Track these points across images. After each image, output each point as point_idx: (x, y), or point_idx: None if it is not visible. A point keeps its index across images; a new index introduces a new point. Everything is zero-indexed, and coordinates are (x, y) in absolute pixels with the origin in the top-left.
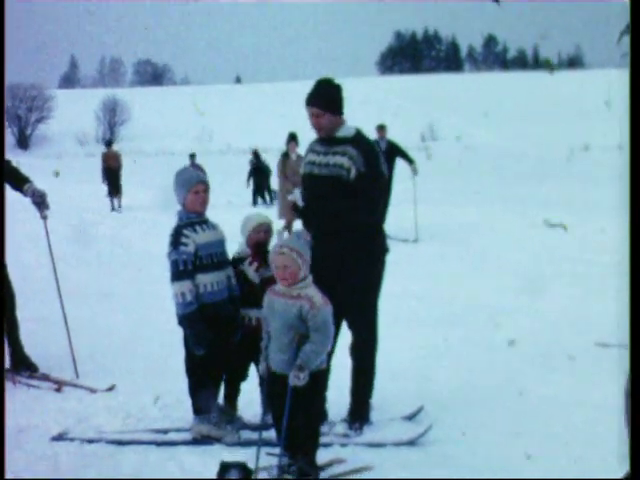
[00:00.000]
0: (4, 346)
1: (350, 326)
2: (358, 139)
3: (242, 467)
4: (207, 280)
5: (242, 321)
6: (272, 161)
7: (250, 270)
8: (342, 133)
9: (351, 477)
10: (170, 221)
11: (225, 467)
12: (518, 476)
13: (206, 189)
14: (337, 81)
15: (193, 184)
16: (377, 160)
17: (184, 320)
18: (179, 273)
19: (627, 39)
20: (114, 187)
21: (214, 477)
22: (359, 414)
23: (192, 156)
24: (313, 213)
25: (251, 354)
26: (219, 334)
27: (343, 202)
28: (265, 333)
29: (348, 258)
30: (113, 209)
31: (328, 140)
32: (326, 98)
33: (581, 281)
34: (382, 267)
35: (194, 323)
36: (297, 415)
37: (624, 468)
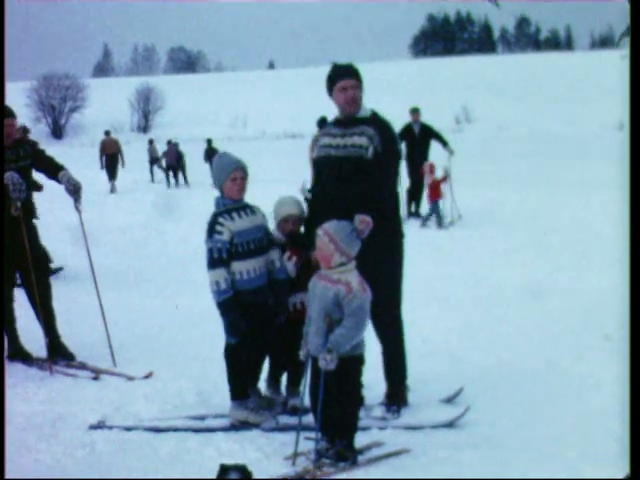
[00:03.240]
0: (4, 343)
1: (372, 311)
2: (375, 119)
3: (242, 469)
4: (243, 267)
5: (286, 306)
6: (306, 146)
7: (289, 264)
8: (360, 114)
9: (389, 460)
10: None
11: (224, 469)
12: (557, 456)
13: (244, 176)
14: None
15: (231, 171)
16: (394, 139)
17: (219, 308)
18: (214, 261)
19: (627, 41)
20: (112, 172)
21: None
22: (396, 397)
23: (209, 141)
24: (326, 200)
25: (295, 338)
26: (256, 321)
27: (357, 184)
28: (307, 318)
29: (367, 242)
30: (111, 191)
31: (345, 122)
32: (358, 73)
33: (618, 262)
34: (400, 251)
35: (228, 311)
36: (334, 399)
37: None
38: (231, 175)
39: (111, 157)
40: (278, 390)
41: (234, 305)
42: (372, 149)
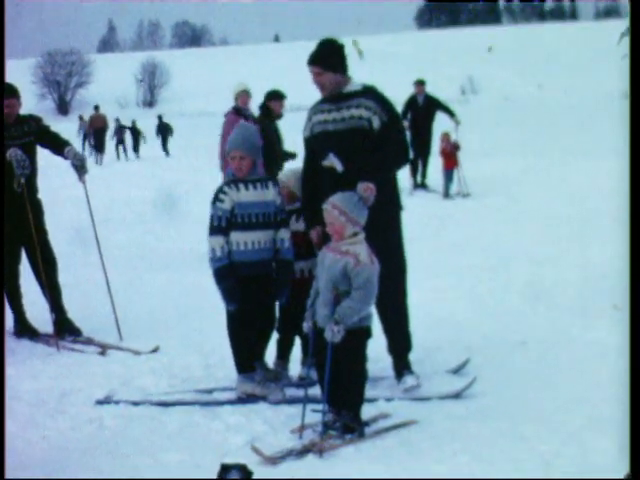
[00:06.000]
0: (4, 342)
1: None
2: (368, 90)
3: (242, 468)
4: (240, 239)
5: (288, 286)
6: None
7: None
8: (350, 88)
9: (396, 431)
10: (211, 182)
11: (225, 468)
12: (565, 426)
13: (243, 156)
14: (340, 40)
15: (229, 150)
16: (393, 105)
17: (213, 275)
18: (213, 228)
19: (627, 40)
20: (100, 145)
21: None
22: (404, 366)
23: (159, 117)
24: (329, 175)
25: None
26: (253, 294)
27: (381, 153)
28: (313, 290)
29: (375, 212)
30: (96, 163)
31: (336, 97)
32: (325, 57)
33: (625, 229)
34: (400, 222)
35: (222, 279)
36: (340, 371)
37: None
38: (230, 154)
39: (98, 131)
40: (285, 364)
41: (228, 274)
42: (378, 120)
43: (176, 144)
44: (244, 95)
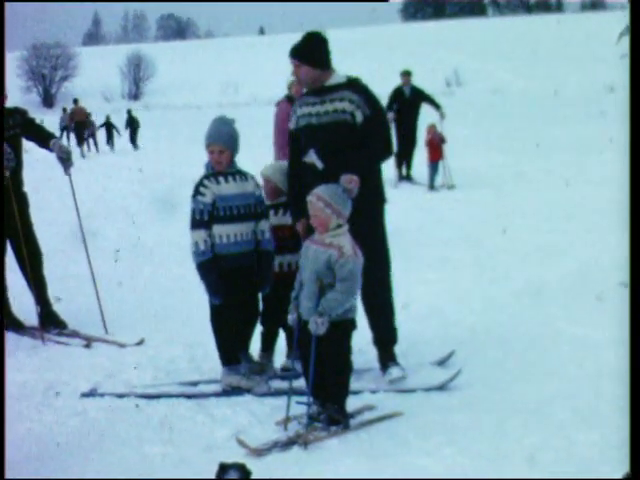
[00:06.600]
0: (4, 343)
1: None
2: (352, 83)
3: (241, 467)
4: (223, 231)
5: (270, 277)
6: None
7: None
8: (333, 81)
9: (381, 423)
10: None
11: (224, 467)
12: (549, 418)
13: (222, 150)
14: (325, 33)
15: (207, 144)
16: (377, 99)
17: (197, 269)
18: (194, 222)
19: (626, 40)
20: (82, 138)
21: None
22: (389, 358)
23: (129, 111)
24: (313, 169)
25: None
26: (237, 286)
27: (364, 147)
28: (297, 282)
29: (359, 204)
30: (83, 156)
31: (319, 90)
32: (305, 50)
33: (608, 222)
34: (383, 215)
35: (206, 273)
36: (325, 363)
37: None
38: (208, 148)
39: (80, 124)
40: (270, 356)
41: (212, 267)
42: (360, 114)
43: (161, 136)
44: (297, 85)
